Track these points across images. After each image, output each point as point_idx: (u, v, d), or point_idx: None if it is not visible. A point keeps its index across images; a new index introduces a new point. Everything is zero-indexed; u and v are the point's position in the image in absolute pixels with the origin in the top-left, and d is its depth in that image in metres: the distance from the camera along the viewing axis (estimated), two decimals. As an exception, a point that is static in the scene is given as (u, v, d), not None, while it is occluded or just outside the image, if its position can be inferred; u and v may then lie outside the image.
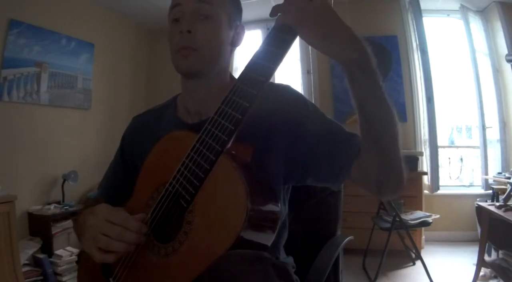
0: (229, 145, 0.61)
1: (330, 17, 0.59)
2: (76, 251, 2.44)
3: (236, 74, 0.64)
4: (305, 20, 0.58)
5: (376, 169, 0.66)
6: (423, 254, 2.62)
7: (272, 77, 0.62)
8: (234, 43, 0.83)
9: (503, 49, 3.16)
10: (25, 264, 2.24)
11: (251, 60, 0.63)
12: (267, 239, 0.63)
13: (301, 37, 0.60)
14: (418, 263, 2.58)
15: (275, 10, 0.62)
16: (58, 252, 2.43)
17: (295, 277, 0.81)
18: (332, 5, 0.61)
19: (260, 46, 0.63)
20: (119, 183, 0.90)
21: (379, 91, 0.61)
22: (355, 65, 0.60)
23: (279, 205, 0.66)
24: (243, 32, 0.85)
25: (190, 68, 0.76)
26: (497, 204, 2.16)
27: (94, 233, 0.64)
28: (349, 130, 0.74)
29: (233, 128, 0.60)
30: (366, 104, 0.62)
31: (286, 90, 0.81)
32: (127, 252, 0.64)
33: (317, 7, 0.58)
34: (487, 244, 2.30)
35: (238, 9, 0.84)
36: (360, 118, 0.64)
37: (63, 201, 2.80)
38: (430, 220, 2.53)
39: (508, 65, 3.06)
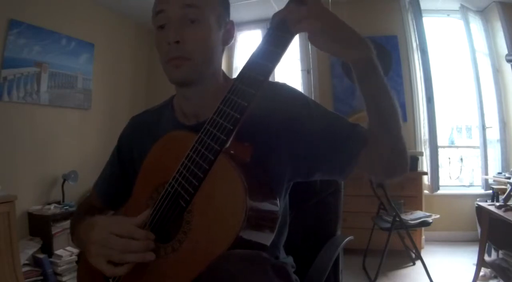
0: (228, 145, 0.61)
1: (332, 19, 0.60)
2: (76, 251, 2.44)
3: (236, 74, 0.64)
4: (312, 25, 0.59)
5: (387, 154, 0.69)
6: (423, 254, 2.62)
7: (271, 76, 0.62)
8: (226, 41, 0.80)
9: (503, 49, 3.16)
10: (25, 264, 2.24)
11: (250, 59, 0.63)
12: (266, 238, 0.63)
13: (312, 44, 0.61)
14: (418, 263, 2.58)
15: (276, 18, 0.61)
16: (58, 252, 2.43)
17: (294, 276, 0.81)
18: (330, 8, 0.61)
19: (259, 45, 0.62)
20: (117, 183, 0.90)
21: (384, 83, 0.65)
22: (362, 63, 0.63)
23: (278, 204, 0.66)
24: (233, 28, 0.81)
25: (183, 79, 0.74)
26: (497, 204, 2.16)
27: (101, 248, 0.64)
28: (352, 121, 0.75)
29: (231, 128, 0.60)
30: (376, 97, 0.65)
31: (284, 88, 0.80)
32: (142, 261, 0.62)
33: (318, 11, 0.59)
34: (487, 244, 2.30)
35: (226, 6, 0.80)
36: (371, 111, 0.67)
37: (63, 201, 2.80)
38: (430, 220, 2.53)
39: (508, 65, 3.06)
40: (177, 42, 0.70)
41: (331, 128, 0.73)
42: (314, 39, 0.61)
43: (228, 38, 0.80)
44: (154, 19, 0.75)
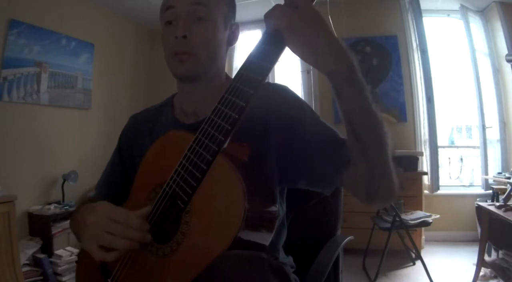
0: (225, 145, 0.60)
1: (315, 26, 0.57)
2: (76, 251, 2.44)
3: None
4: (289, 27, 0.57)
5: (365, 178, 0.64)
6: (423, 254, 2.62)
7: (270, 76, 0.62)
8: (230, 42, 0.82)
9: (503, 49, 3.15)
10: (25, 264, 2.24)
11: (247, 59, 0.63)
12: (264, 239, 0.63)
13: (285, 43, 0.59)
14: (418, 263, 2.58)
15: (266, 16, 0.60)
16: (58, 252, 2.43)
17: (294, 276, 0.81)
18: (328, 7, 0.60)
19: (256, 45, 0.62)
20: (117, 183, 0.90)
21: (366, 102, 0.59)
22: (339, 76, 0.58)
23: (277, 204, 0.66)
24: (238, 30, 0.83)
25: (187, 73, 0.75)
26: (497, 204, 2.16)
27: (95, 231, 0.64)
28: (343, 136, 0.71)
29: (229, 128, 0.59)
30: (352, 115, 0.60)
31: (283, 90, 0.80)
32: (130, 250, 0.63)
33: (303, 15, 0.57)
34: (487, 244, 2.30)
35: (233, 8, 0.82)
36: (347, 129, 0.62)
37: (63, 201, 2.80)
38: (430, 220, 2.53)
39: (508, 65, 3.06)
40: (184, 37, 0.72)
41: (321, 138, 0.72)
42: (289, 40, 0.58)
43: (232, 39, 0.82)
44: (163, 15, 0.77)
